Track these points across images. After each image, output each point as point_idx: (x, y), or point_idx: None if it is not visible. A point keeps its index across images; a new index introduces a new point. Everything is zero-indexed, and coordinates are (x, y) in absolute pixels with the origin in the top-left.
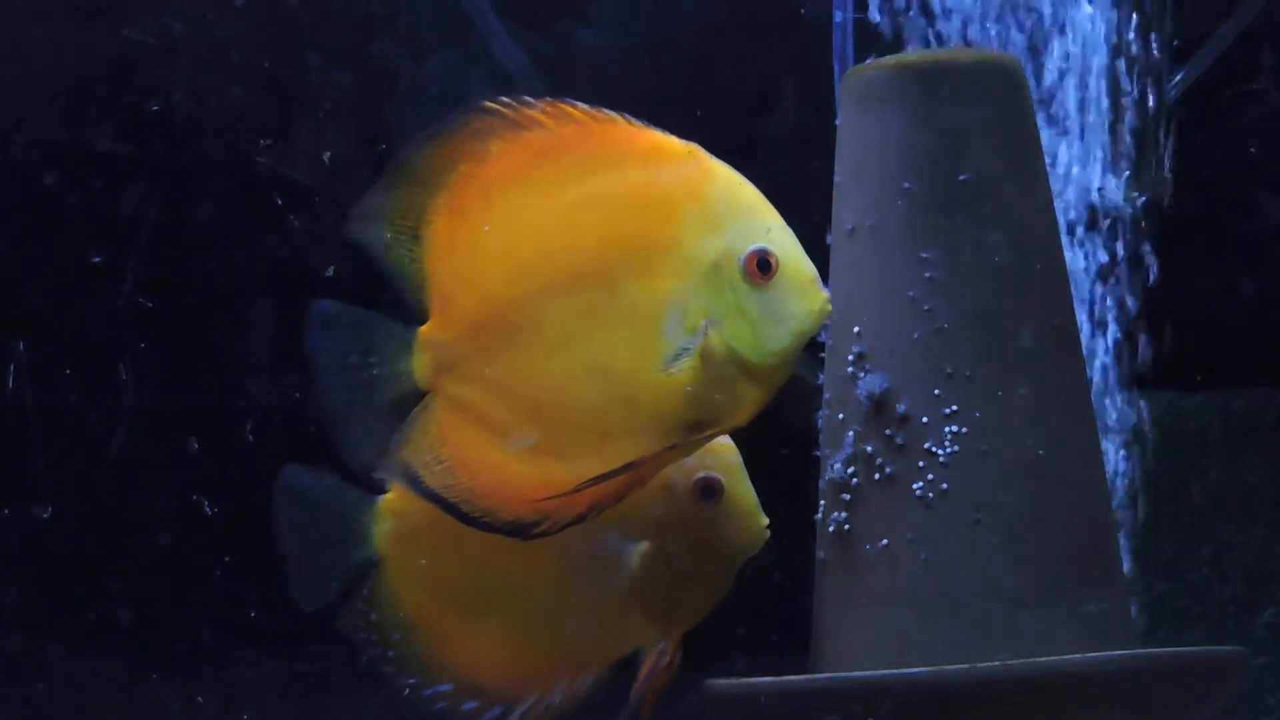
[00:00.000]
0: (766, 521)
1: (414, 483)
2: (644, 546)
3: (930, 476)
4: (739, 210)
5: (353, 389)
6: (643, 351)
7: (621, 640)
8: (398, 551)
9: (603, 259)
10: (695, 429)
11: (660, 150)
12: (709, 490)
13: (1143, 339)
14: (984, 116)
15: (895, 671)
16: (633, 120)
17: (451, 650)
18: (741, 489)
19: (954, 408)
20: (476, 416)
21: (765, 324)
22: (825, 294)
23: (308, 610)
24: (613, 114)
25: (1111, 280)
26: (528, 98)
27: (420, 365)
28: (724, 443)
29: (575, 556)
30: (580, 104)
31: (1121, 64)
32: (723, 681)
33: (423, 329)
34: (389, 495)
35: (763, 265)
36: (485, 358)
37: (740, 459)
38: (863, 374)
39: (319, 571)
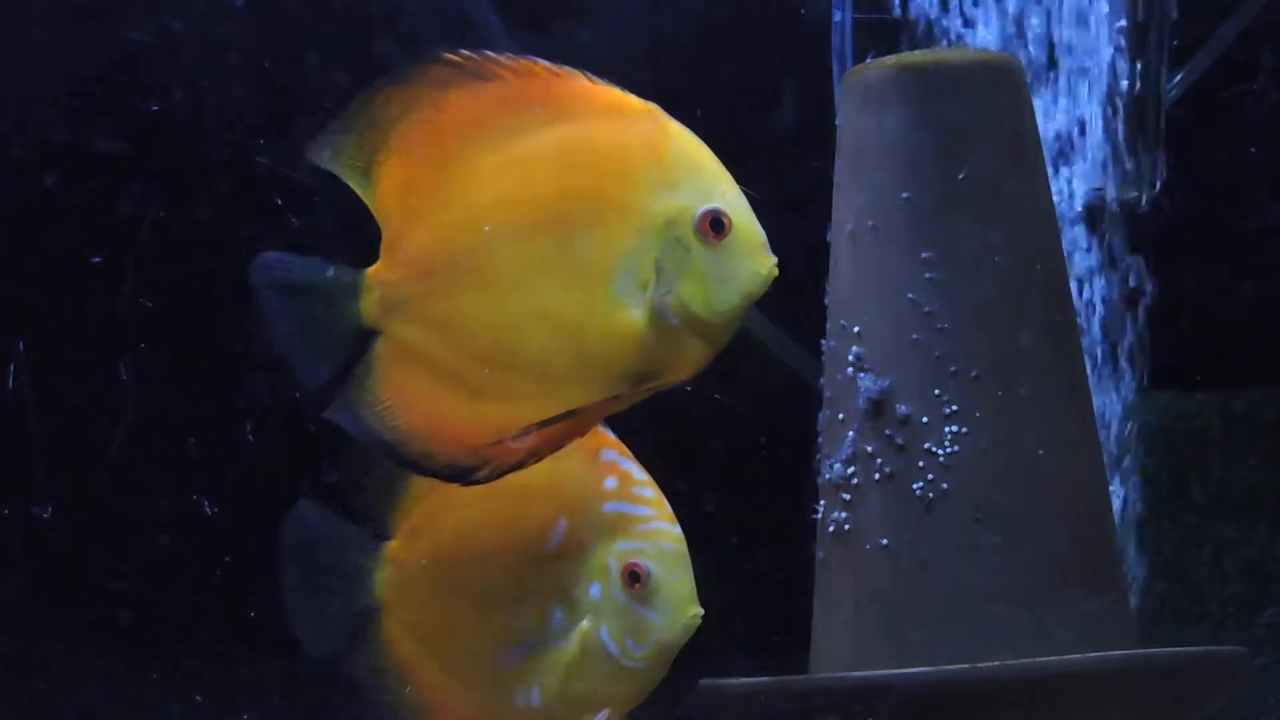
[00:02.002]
0: (696, 612)
1: (354, 422)
2: (584, 626)
3: (930, 476)
4: (695, 170)
5: (298, 324)
6: (592, 302)
7: (556, 713)
8: (396, 599)
9: (558, 210)
10: (639, 381)
11: (620, 107)
12: (635, 576)
13: (1143, 339)
14: (984, 116)
15: (895, 671)
16: (594, 77)
17: (435, 702)
18: (673, 577)
19: (954, 408)
20: (421, 358)
21: (715, 283)
22: (774, 259)
23: (317, 657)
24: (574, 70)
25: (1111, 280)
26: (490, 52)
27: (367, 304)
28: (669, 530)
29: (534, 627)
30: (543, 60)
31: (1121, 64)
32: (722, 681)
33: (370, 269)
34: (392, 543)
35: (716, 225)
36: (433, 299)
37: (682, 546)
38: (863, 374)
39: (325, 619)
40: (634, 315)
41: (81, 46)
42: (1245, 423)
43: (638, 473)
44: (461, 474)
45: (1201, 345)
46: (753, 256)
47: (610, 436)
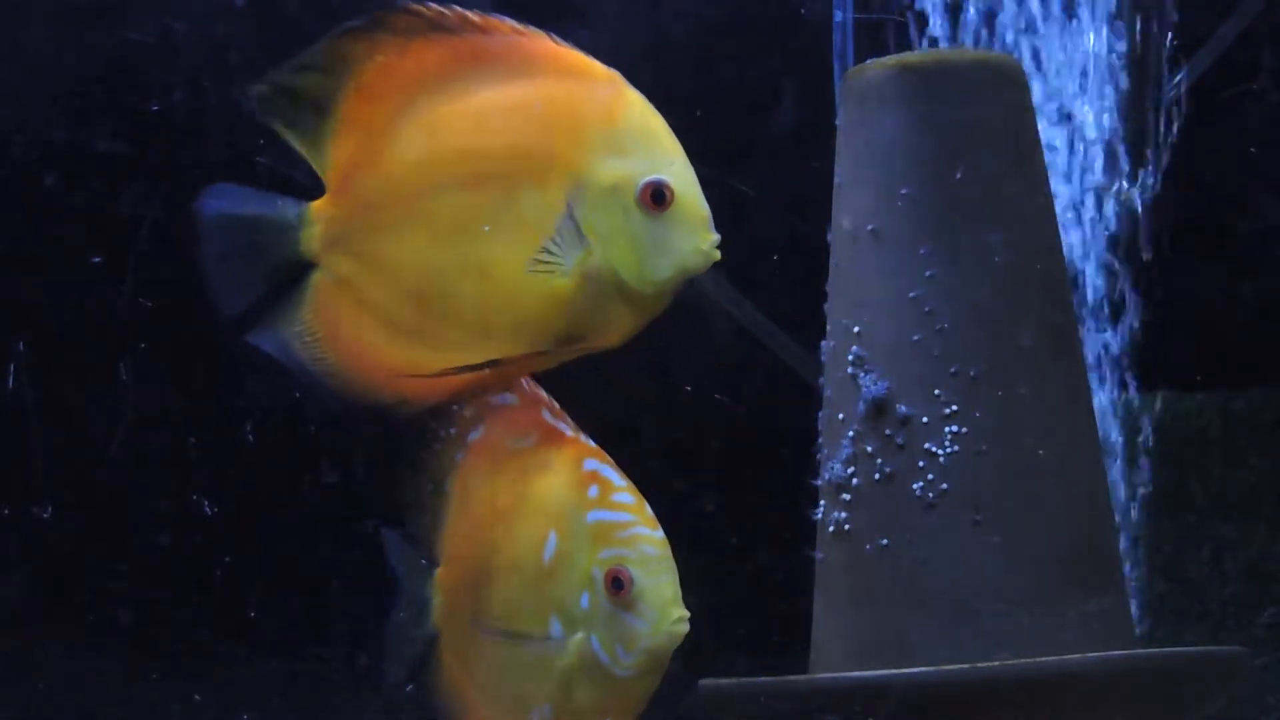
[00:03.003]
0: (680, 615)
1: (282, 350)
2: (578, 637)
3: (930, 476)
4: (646, 140)
5: (236, 247)
6: (529, 260)
7: None
8: (444, 625)
9: (506, 165)
10: (565, 341)
11: (581, 70)
12: (618, 583)
13: (1143, 339)
14: (984, 116)
15: (895, 671)
16: (558, 39)
17: None
18: (654, 582)
19: (954, 408)
20: (357, 294)
21: (651, 253)
22: (715, 236)
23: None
24: (539, 31)
25: (1111, 280)
26: (456, 6)
27: (308, 236)
28: (649, 534)
29: (538, 644)
30: (509, 19)
31: (1121, 64)
32: (722, 681)
33: (315, 203)
34: (441, 569)
35: (657, 196)
36: (374, 238)
37: (663, 549)
38: (863, 374)
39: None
40: (567, 276)
41: (81, 46)
42: (1245, 423)
43: (617, 479)
44: (382, 411)
45: (1201, 345)
46: (693, 231)
47: (591, 445)
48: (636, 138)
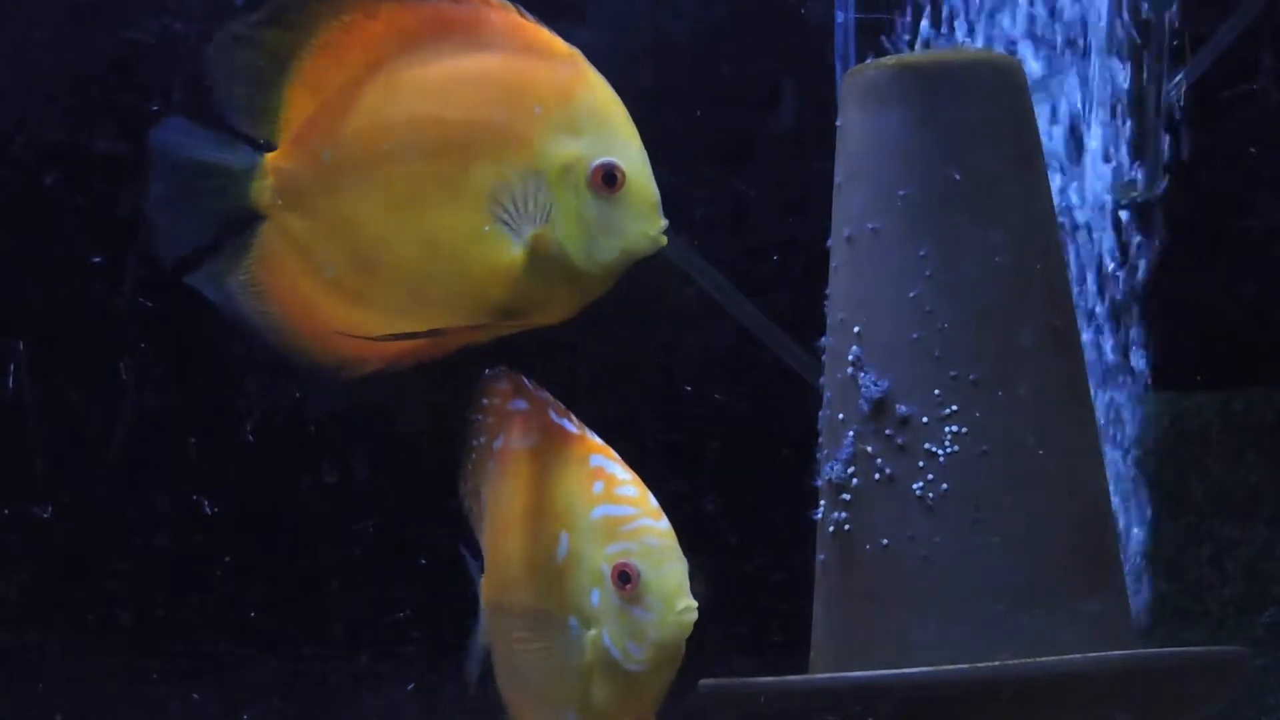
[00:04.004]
0: (687, 605)
1: (225, 299)
2: (591, 634)
3: (930, 476)
4: (601, 121)
5: (183, 190)
6: (477, 231)
7: None
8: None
9: (463, 136)
10: (507, 315)
11: (543, 46)
12: (625, 577)
13: (1143, 339)
14: (984, 116)
15: (895, 671)
16: (525, 13)
17: None
18: (660, 573)
19: (954, 408)
20: (304, 251)
21: (599, 234)
22: (663, 222)
23: None
24: (507, 4)
25: (1111, 280)
26: None
27: (259, 188)
28: (653, 526)
29: (559, 645)
30: None
31: (1121, 63)
32: (723, 681)
33: (270, 155)
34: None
35: (609, 178)
36: (326, 197)
37: (669, 540)
38: (863, 374)
39: None
40: (514, 251)
41: (81, 46)
42: (1245, 423)
43: (621, 473)
44: (319, 373)
45: (1201, 345)
46: (642, 216)
47: (597, 441)
48: (591, 118)
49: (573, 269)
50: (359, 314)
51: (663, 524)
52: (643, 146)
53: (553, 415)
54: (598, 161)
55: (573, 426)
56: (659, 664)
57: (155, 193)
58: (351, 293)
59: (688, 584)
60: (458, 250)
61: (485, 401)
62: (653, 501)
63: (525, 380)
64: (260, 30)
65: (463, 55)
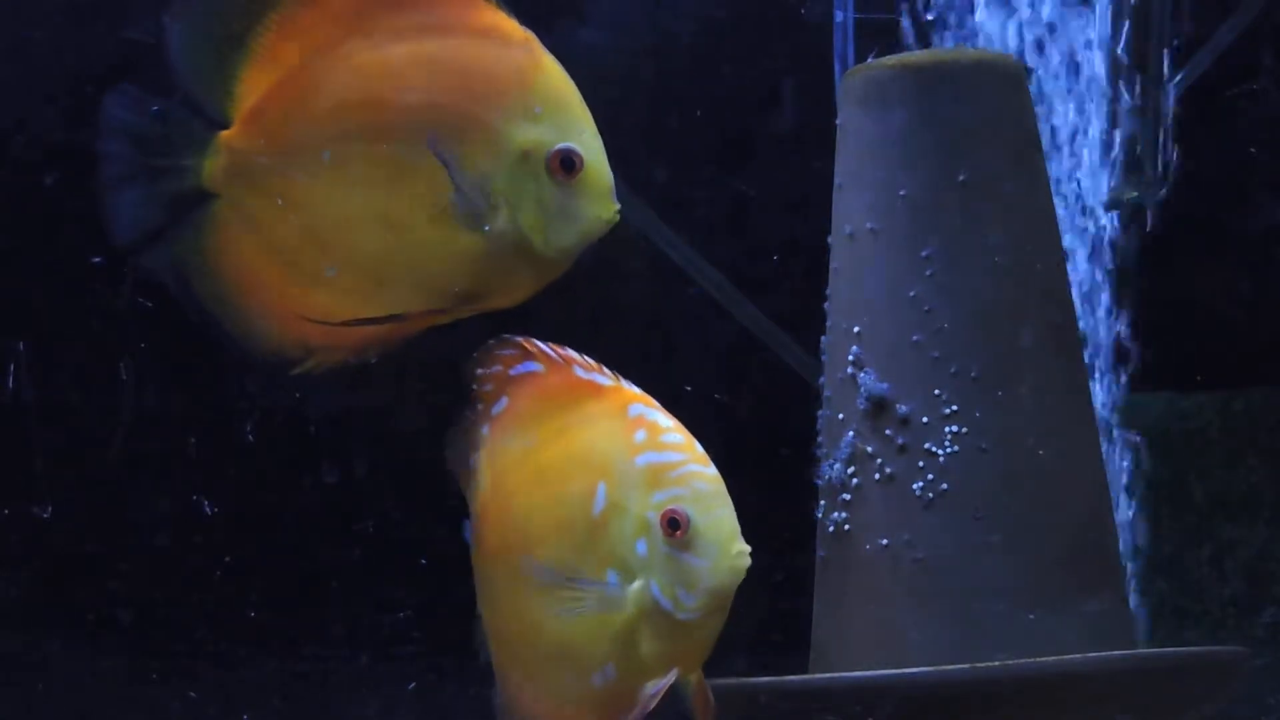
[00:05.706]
0: (740, 549)
1: (180, 285)
2: (635, 586)
3: (930, 476)
4: (558, 106)
5: (133, 167)
6: (434, 215)
7: (633, 685)
8: (486, 606)
9: (421, 119)
10: (466, 299)
11: (498, 30)
12: (674, 524)
13: (1142, 339)
14: (984, 116)
15: (895, 671)
16: None
17: (515, 694)
18: (711, 518)
19: (954, 408)
20: (258, 230)
21: (557, 219)
22: (617, 206)
23: None
24: None
25: (1112, 280)
26: None
27: (212, 166)
28: (702, 471)
29: (595, 600)
30: None
31: (1122, 65)
32: (722, 681)
33: (224, 133)
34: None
35: (567, 164)
36: (281, 178)
37: (718, 485)
38: (863, 374)
39: None
40: (473, 235)
41: (81, 46)
42: (1245, 423)
43: (664, 420)
44: (283, 364)
45: (1201, 345)
46: (598, 200)
47: (635, 390)
48: (548, 103)
49: (531, 253)
50: (315, 295)
51: (711, 469)
52: (596, 129)
53: (578, 371)
54: (556, 147)
55: (606, 379)
56: (711, 612)
57: (105, 172)
58: (308, 274)
59: (739, 528)
60: (415, 233)
61: (482, 371)
62: (699, 448)
63: (540, 343)
64: (217, 6)
65: (420, 38)
